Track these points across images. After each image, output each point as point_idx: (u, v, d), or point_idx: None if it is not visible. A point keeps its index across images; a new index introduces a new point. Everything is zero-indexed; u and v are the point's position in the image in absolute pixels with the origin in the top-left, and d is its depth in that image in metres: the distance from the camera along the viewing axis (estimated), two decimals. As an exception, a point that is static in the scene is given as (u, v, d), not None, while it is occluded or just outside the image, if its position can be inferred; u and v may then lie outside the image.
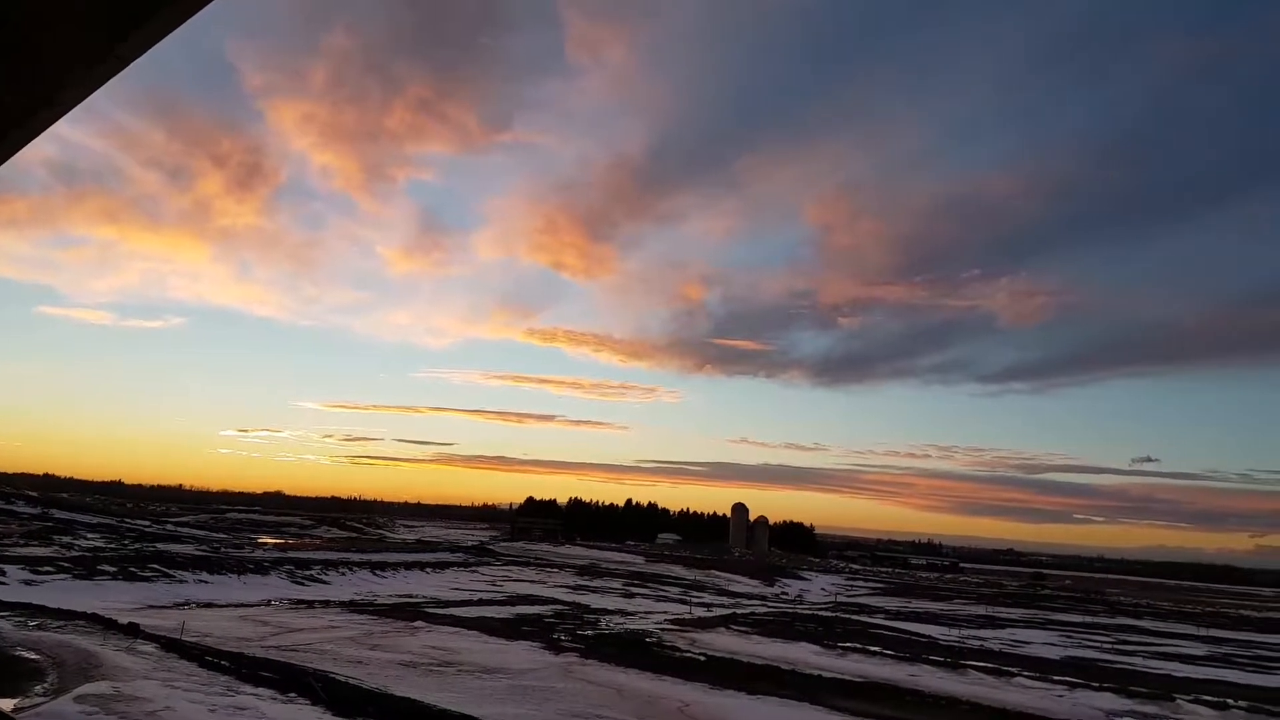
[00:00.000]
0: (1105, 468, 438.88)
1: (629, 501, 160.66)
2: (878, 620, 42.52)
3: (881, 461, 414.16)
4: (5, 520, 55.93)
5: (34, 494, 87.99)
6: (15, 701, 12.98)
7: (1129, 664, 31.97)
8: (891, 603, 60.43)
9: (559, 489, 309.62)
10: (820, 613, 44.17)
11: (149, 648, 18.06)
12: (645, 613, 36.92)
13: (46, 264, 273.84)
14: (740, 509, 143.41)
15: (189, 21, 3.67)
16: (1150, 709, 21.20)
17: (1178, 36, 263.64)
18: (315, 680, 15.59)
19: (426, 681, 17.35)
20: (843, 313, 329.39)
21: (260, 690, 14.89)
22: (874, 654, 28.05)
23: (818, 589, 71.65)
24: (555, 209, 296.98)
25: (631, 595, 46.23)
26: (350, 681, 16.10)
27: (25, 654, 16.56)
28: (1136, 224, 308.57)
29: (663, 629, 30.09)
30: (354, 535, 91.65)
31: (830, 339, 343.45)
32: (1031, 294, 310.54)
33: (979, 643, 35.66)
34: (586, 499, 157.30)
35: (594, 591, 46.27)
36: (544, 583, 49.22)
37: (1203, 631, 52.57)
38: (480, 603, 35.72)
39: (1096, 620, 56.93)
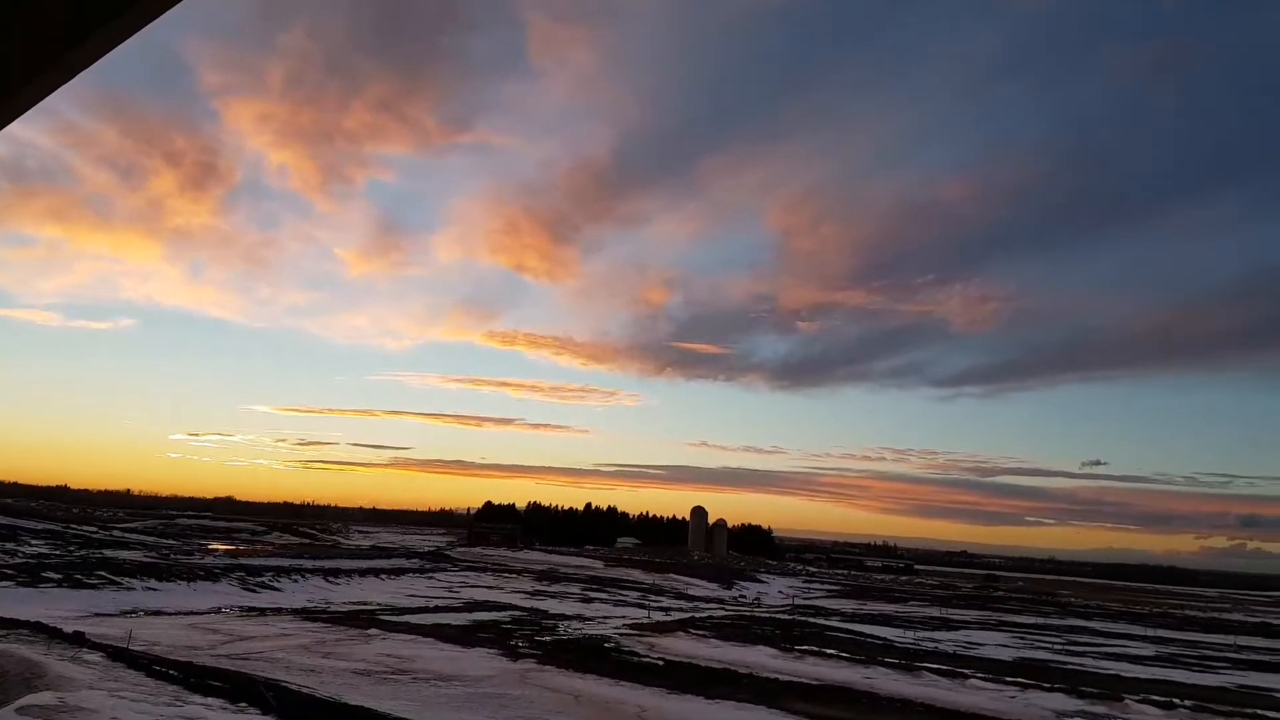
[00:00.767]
0: (1056, 471, 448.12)
1: (588, 506, 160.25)
2: (834, 623, 42.84)
3: (838, 464, 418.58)
4: (-56, 527, 54.33)
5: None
6: (-47, 715, 12.59)
7: (1079, 664, 32.53)
8: (847, 605, 60.93)
9: (518, 493, 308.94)
10: (778, 615, 44.40)
11: (95, 657, 17.61)
12: (604, 618, 36.85)
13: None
14: (699, 512, 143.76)
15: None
16: (1100, 709, 21.59)
17: (1129, 46, 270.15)
18: (267, 689, 15.31)
19: (381, 690, 17.14)
20: (802, 317, 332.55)
21: (210, 700, 14.59)
22: (830, 656, 28.26)
23: (775, 592, 72.05)
24: (517, 211, 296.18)
25: (590, 600, 46.12)
26: (303, 690, 15.84)
27: (-36, 666, 16.08)
28: (1088, 230, 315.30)
29: (621, 634, 30.05)
30: (307, 541, 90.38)
31: (790, 343, 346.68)
32: (985, 299, 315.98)
33: (933, 644, 36.08)
34: (546, 503, 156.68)
35: (552, 597, 46.09)
36: (502, 588, 48.94)
37: (1150, 632, 53.68)
38: (436, 609, 35.41)
39: (1048, 621, 57.88)
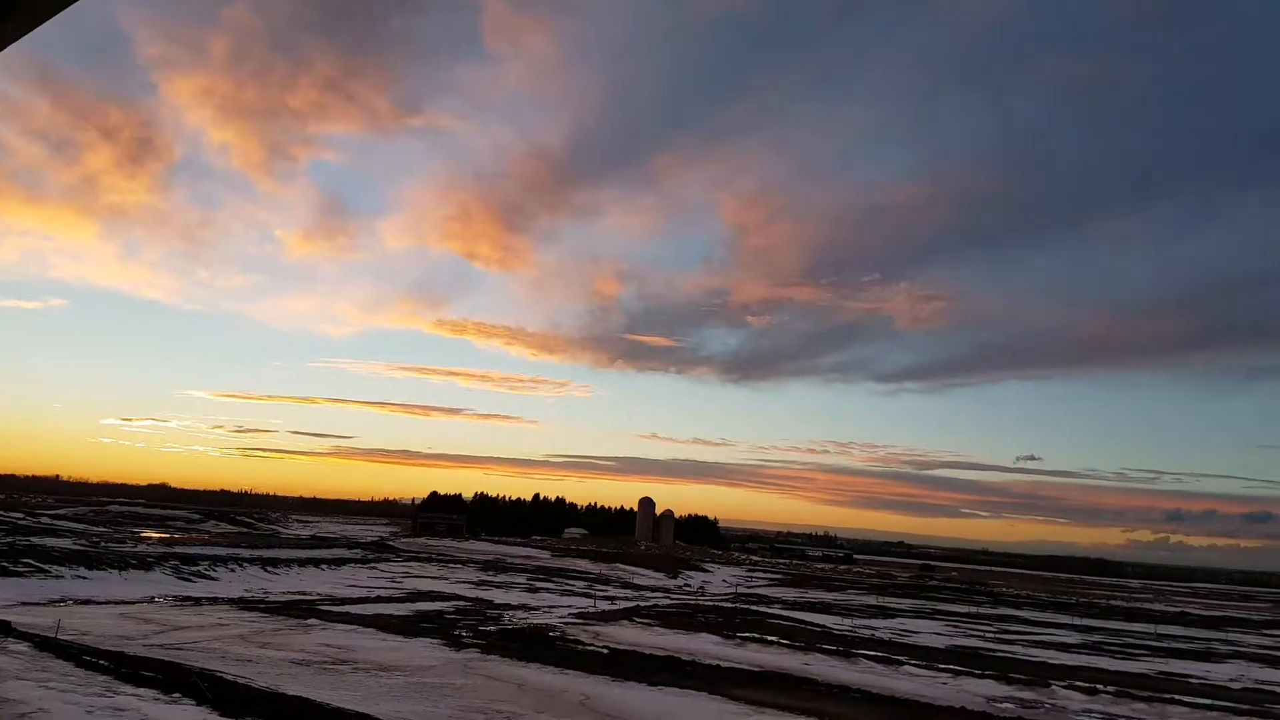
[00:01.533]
0: (991, 465, 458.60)
1: (536, 496, 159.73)
2: (775, 611, 43.42)
3: (784, 457, 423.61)
4: None
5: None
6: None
7: (1009, 652, 33.43)
8: (789, 593, 61.77)
9: (465, 484, 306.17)
10: (721, 604, 44.85)
11: (22, 647, 17.18)
12: (549, 607, 36.89)
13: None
14: (647, 503, 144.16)
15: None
16: (1028, 695, 22.27)
17: (1072, 57, 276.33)
18: (201, 679, 15.09)
19: (320, 680, 17.00)
20: (753, 312, 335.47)
21: (142, 691, 14.33)
22: (771, 644, 28.68)
23: (720, 581, 72.71)
24: (469, 197, 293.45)
25: (536, 590, 46.10)
26: (239, 681, 15.65)
27: (-116, 657, 15.59)
28: (1028, 235, 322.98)
29: (566, 623, 30.14)
30: (245, 530, 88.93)
31: (740, 337, 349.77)
32: (928, 298, 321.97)
33: (870, 632, 36.79)
34: (493, 494, 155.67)
35: (498, 587, 45.96)
36: (446, 579, 48.65)
37: (1077, 621, 55.34)
38: (378, 600, 35.11)
39: (980, 610, 59.29)
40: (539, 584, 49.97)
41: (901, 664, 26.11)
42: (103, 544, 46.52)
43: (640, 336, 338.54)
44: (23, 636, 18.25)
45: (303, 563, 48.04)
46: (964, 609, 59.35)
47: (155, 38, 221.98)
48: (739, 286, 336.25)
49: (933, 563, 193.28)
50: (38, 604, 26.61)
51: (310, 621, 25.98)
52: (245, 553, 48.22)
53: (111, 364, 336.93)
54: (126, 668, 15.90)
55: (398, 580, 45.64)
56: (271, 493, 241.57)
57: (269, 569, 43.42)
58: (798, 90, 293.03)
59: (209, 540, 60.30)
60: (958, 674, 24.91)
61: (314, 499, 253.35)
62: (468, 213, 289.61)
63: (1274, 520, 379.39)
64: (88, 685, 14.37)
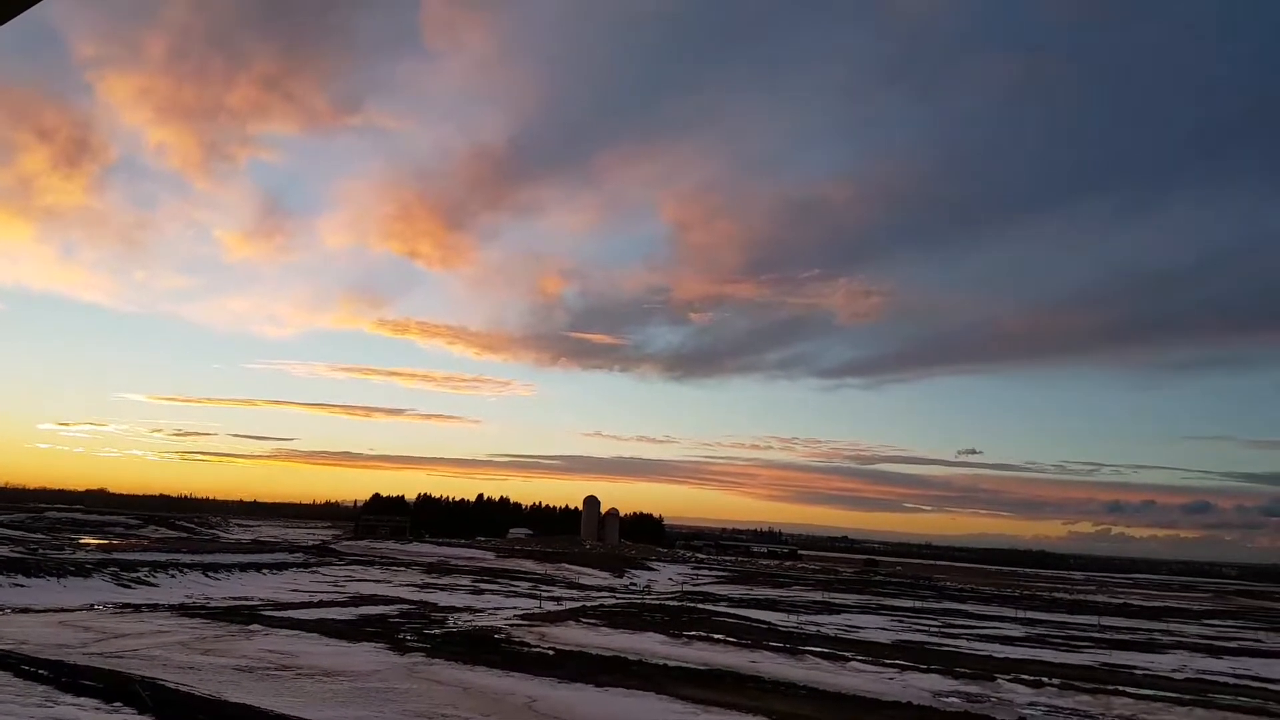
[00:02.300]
0: (933, 459, 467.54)
1: (480, 497, 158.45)
2: (721, 608, 43.67)
3: (728, 453, 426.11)
4: None
5: None
6: None
7: (954, 646, 34.02)
8: (734, 590, 62.18)
9: (407, 485, 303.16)
10: (667, 603, 44.99)
11: (-52, 661, 16.62)
12: (495, 609, 36.65)
13: None
14: (592, 502, 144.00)
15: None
16: (973, 688, 22.63)
17: (1003, 58, 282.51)
18: (142, 688, 14.74)
19: (263, 686, 16.69)
20: (695, 309, 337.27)
21: (82, 700, 13.97)
22: (717, 642, 28.82)
23: (665, 579, 72.89)
24: (410, 196, 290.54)
25: (481, 592, 45.77)
26: (181, 688, 15.31)
27: None
28: (964, 232, 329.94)
29: (512, 625, 29.97)
30: (185, 535, 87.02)
31: (682, 334, 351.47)
32: (867, 294, 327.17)
33: (816, 628, 37.19)
34: (436, 495, 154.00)
35: (442, 589, 45.53)
36: (390, 582, 48.05)
37: (1020, 614, 56.53)
38: (321, 604, 34.57)
39: (925, 605, 60.30)
40: (484, 586, 49.62)
41: (848, 660, 26.40)
42: (40, 551, 45.15)
43: (583, 334, 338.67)
44: (-52, 649, 17.65)
45: (244, 567, 47.10)
46: (909, 603, 60.28)
47: (91, 37, 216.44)
48: (681, 283, 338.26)
49: (877, 557, 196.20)
50: (-37, 615, 25.74)
51: (252, 627, 25.49)
52: (186, 558, 47.14)
53: (48, 367, 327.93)
54: (66, 677, 15.48)
55: (340, 584, 44.97)
56: (211, 497, 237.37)
57: (210, 574, 42.50)
58: (736, 89, 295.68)
59: (149, 546, 58.85)
60: (904, 669, 25.26)
61: (255, 502, 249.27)
62: (409, 211, 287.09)
63: (1212, 511, 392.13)
64: (27, 695, 13.96)
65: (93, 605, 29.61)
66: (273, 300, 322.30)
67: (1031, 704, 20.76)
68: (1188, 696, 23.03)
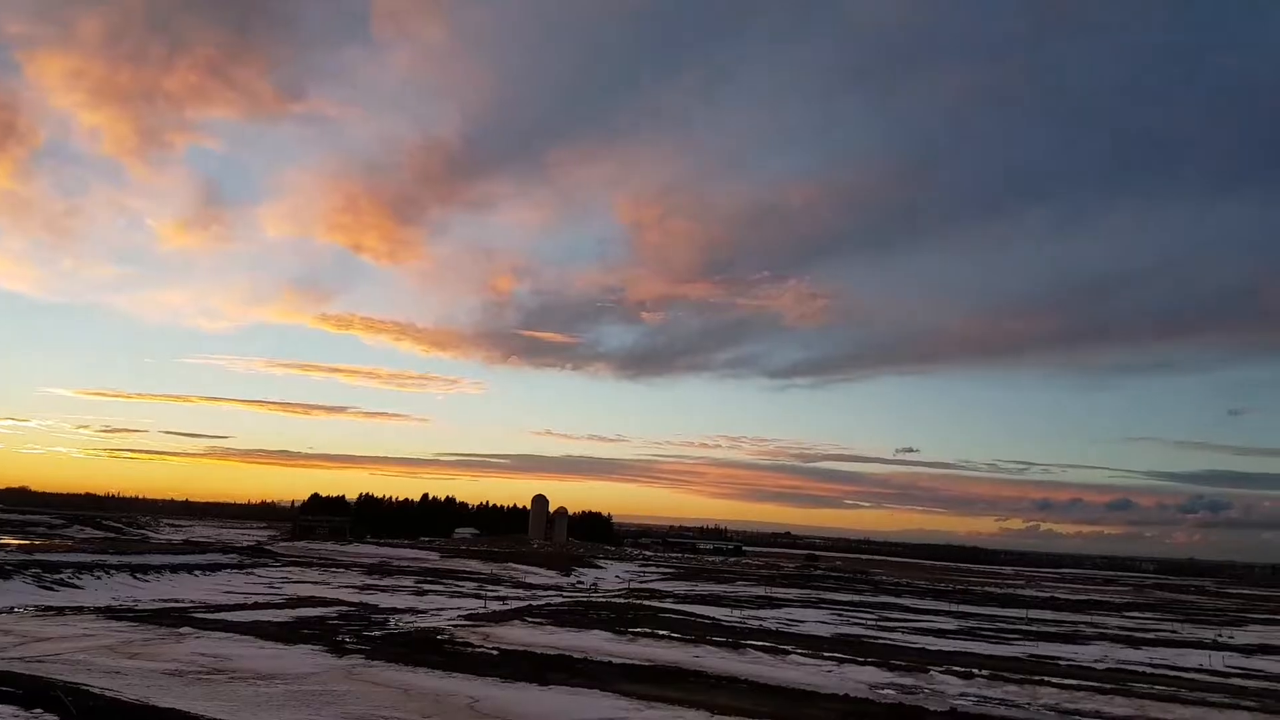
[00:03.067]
0: (872, 457, 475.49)
1: (425, 496, 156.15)
2: (667, 605, 43.78)
3: (677, 452, 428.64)
4: None
5: None
6: None
7: (890, 639, 34.60)
8: (680, 587, 62.42)
9: (349, 485, 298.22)
10: (614, 600, 44.96)
11: None
12: (438, 610, 36.26)
13: None
14: (540, 500, 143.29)
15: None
16: (908, 680, 23.06)
17: (958, 67, 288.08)
18: (65, 694, 14.23)
19: (194, 691, 16.25)
20: (648, 309, 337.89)
21: (1, 708, 13.45)
22: (662, 638, 28.90)
23: (613, 577, 72.90)
24: (357, 187, 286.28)
25: (424, 593, 45.23)
26: (106, 693, 14.83)
27: None
28: (910, 236, 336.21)
29: (455, 625, 29.67)
30: (113, 536, 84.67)
31: (635, 334, 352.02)
32: (815, 296, 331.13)
33: (758, 623, 37.51)
34: (379, 495, 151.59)
35: (383, 591, 44.91)
36: (328, 583, 47.25)
37: (954, 607, 57.77)
38: (256, 606, 33.85)
39: (863, 599, 61.26)
40: (427, 586, 49.07)
41: (789, 654, 26.68)
42: (-47, 554, 43.44)
43: (535, 333, 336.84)
44: None
45: (175, 569, 45.95)
46: (848, 597, 61.18)
47: (20, 13, 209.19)
48: (635, 283, 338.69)
49: (817, 553, 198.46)
50: (-124, 622, 24.67)
51: (183, 630, 24.84)
52: (113, 559, 45.79)
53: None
54: (-19, 685, 14.88)
55: (277, 586, 44.11)
56: (141, 496, 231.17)
57: (139, 576, 41.38)
58: (694, 90, 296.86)
59: (73, 547, 57.01)
60: (842, 662, 25.62)
61: (187, 502, 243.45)
62: (355, 203, 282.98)
63: (1134, 509, 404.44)
64: (-67, 707, 13.39)
65: (13, 608, 28.64)
66: (209, 292, 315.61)
67: (963, 695, 21.23)
68: (1108, 686, 23.78)
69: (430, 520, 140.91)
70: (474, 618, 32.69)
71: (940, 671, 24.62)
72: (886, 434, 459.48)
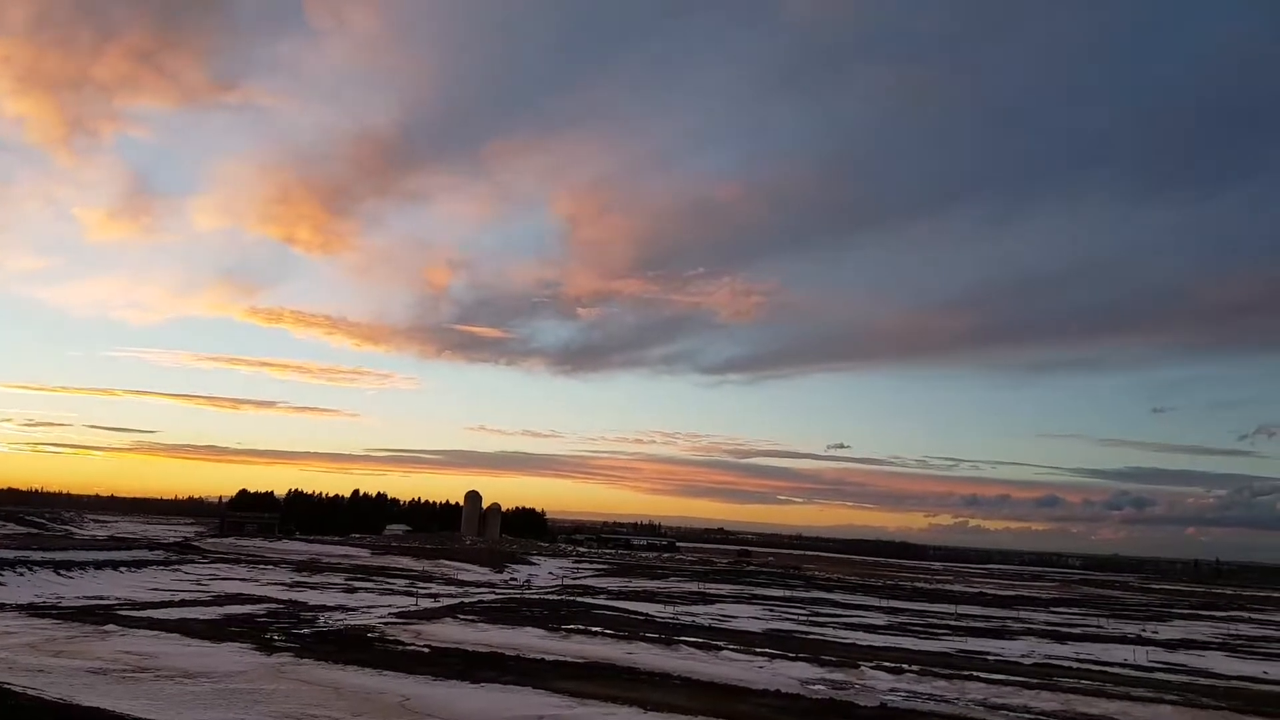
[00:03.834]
0: (804, 453, 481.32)
1: (356, 493, 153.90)
2: (600, 601, 43.99)
3: (611, 447, 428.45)
4: None
5: None
6: None
7: (821, 634, 35.24)
8: (614, 583, 62.66)
9: (278, 481, 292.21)
10: (547, 597, 45.01)
11: None
12: (368, 607, 35.92)
13: None
14: (473, 496, 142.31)
15: None
16: (838, 675, 23.53)
17: (886, 68, 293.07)
18: (-18, 696, 13.91)
19: (119, 689, 15.97)
20: (584, 304, 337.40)
21: (-90, 713, 13.08)
22: (595, 634, 29.08)
23: (546, 573, 72.87)
24: (289, 178, 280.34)
25: (354, 590, 44.73)
26: (29, 692, 14.51)
27: None
28: (842, 234, 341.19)
29: (386, 623, 29.46)
30: (35, 532, 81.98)
31: (571, 329, 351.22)
32: (748, 293, 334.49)
33: (691, 619, 37.90)
34: (309, 491, 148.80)
35: (313, 588, 44.29)
36: (257, 581, 46.44)
37: (884, 603, 58.94)
38: (183, 604, 33.18)
39: (795, 594, 62.17)
40: (357, 584, 48.53)
41: (721, 649, 27.05)
42: None
43: (471, 327, 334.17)
44: None
45: (100, 565, 44.80)
46: (780, 593, 62.00)
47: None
48: (571, 278, 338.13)
49: (750, 548, 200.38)
50: None
51: (108, 628, 24.30)
52: (36, 555, 44.55)
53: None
54: (-112, 688, 14.45)
55: (204, 583, 43.22)
56: (65, 491, 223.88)
57: (62, 572, 40.24)
58: (632, 86, 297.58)
59: (-12, 544, 55.11)
60: (774, 657, 26.06)
61: (112, 497, 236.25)
62: (287, 194, 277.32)
63: (1060, 505, 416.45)
64: None
65: (-73, 608, 27.65)
66: (137, 284, 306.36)
67: (893, 690, 21.71)
68: (1035, 680, 24.50)
69: (361, 517, 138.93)
70: (405, 615, 32.49)
71: (870, 667, 25.14)
72: (819, 430, 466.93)
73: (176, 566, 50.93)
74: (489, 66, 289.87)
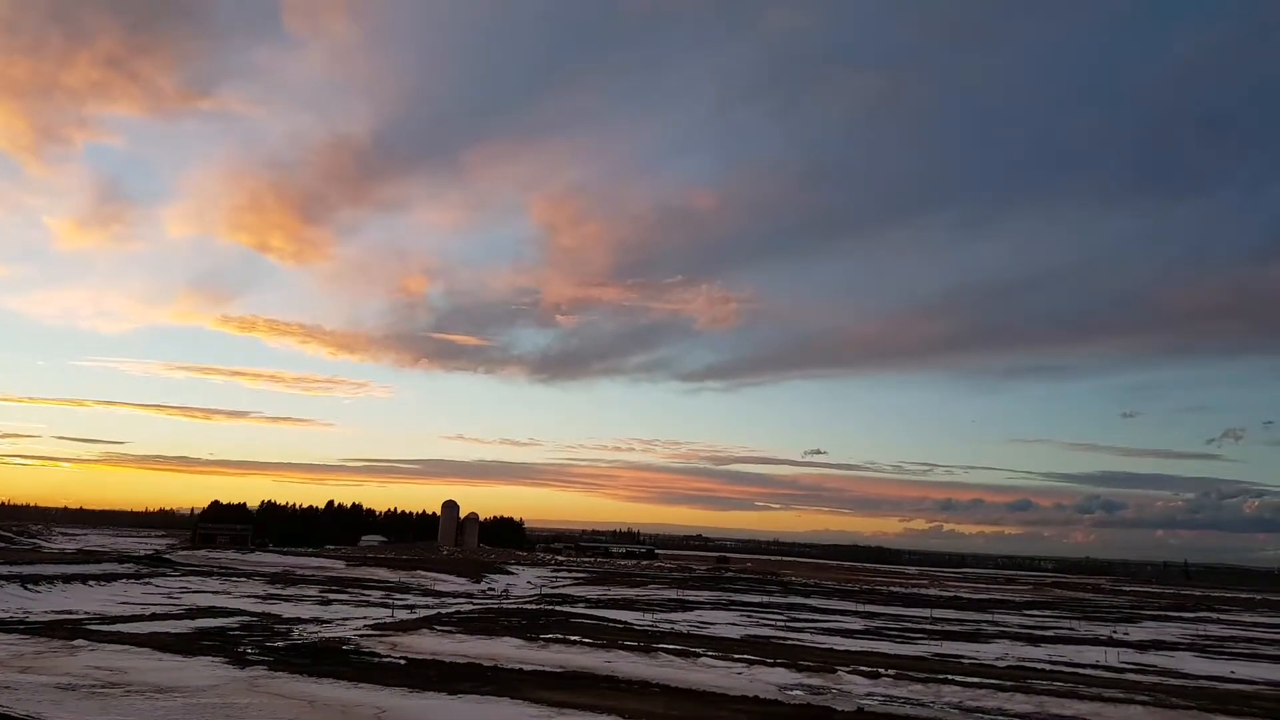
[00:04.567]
0: (782, 459, 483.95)
1: (331, 504, 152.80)
2: (579, 610, 43.83)
3: (590, 455, 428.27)
4: None
5: None
6: None
7: (799, 640, 35.32)
8: (593, 591, 62.47)
9: (251, 492, 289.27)
10: (525, 606, 44.79)
11: None
12: (344, 619, 35.57)
13: None
14: (450, 506, 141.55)
15: None
16: (816, 681, 23.58)
17: (861, 76, 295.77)
18: (-55, 716, 13.64)
19: (89, 705, 15.70)
20: (562, 311, 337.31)
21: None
22: (574, 643, 28.97)
23: (524, 582, 72.52)
24: (263, 186, 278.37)
25: (329, 602, 44.28)
26: (-8, 714, 14.24)
27: None
28: (817, 243, 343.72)
29: (361, 635, 29.20)
30: (1, 545, 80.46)
31: (549, 336, 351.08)
32: (726, 300, 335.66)
33: (670, 626, 37.87)
34: (282, 502, 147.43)
35: (287, 600, 43.81)
36: (229, 593, 45.88)
37: (860, 607, 59.19)
38: (154, 617, 32.70)
39: (772, 600, 62.28)
40: (333, 595, 48.07)
41: (699, 656, 27.04)
42: None
43: (448, 335, 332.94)
44: None
45: (68, 579, 44.10)
46: (757, 599, 62.11)
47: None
48: (549, 286, 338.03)
49: (728, 555, 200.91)
50: None
51: (77, 642, 23.90)
52: (1, 569, 43.77)
53: None
54: None
55: (175, 596, 42.64)
56: (33, 504, 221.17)
57: (29, 586, 39.56)
58: (609, 94, 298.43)
59: (-47, 559, 54.10)
60: (752, 663, 26.08)
61: (81, 510, 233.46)
62: (261, 202, 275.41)
63: (1033, 509, 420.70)
64: None
65: (-110, 626, 27.08)
66: (107, 293, 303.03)
67: (869, 694, 21.81)
68: (1009, 683, 24.67)
69: (336, 528, 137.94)
70: (381, 627, 32.22)
71: (847, 672, 25.24)
72: (796, 436, 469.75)
73: (147, 580, 50.21)
74: (466, 74, 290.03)
